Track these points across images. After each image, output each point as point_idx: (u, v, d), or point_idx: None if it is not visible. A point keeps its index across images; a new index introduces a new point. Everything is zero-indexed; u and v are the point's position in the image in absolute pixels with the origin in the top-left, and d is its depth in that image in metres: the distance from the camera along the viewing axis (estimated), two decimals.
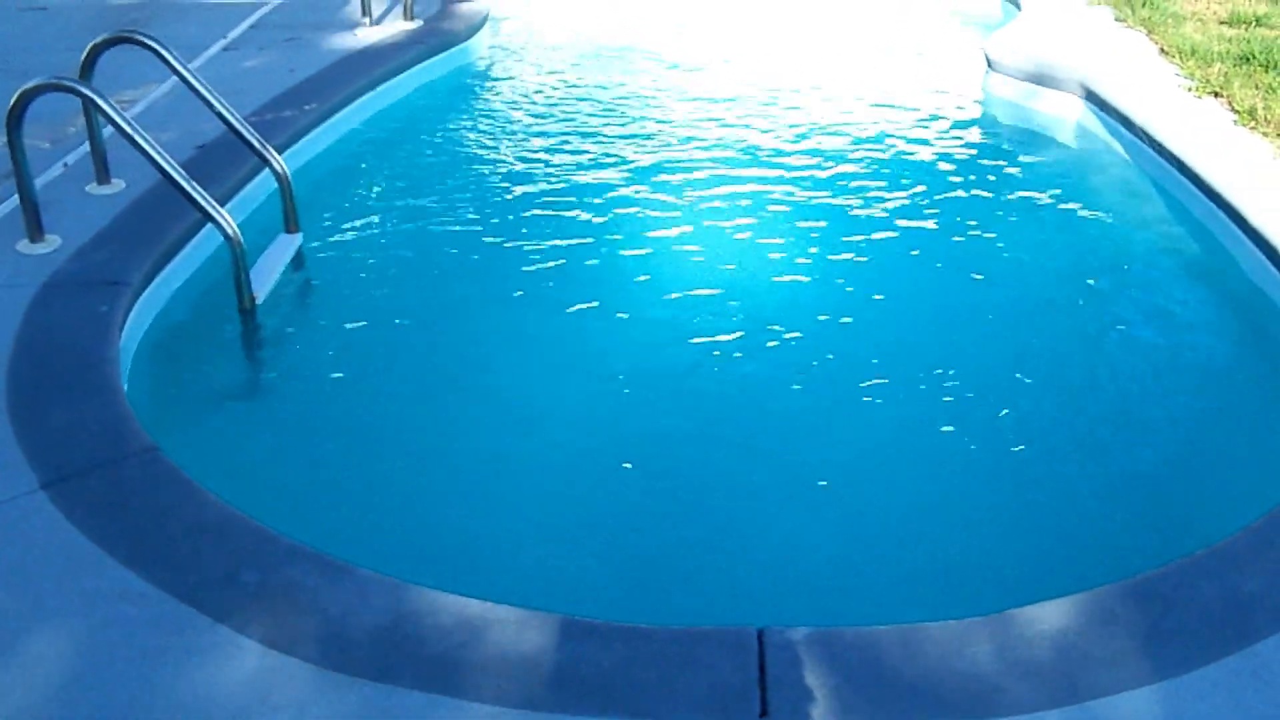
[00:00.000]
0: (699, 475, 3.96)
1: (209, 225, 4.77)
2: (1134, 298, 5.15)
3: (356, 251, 5.48)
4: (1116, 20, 8.22)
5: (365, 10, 8.09)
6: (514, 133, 6.96)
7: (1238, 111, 6.27)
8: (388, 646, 2.81)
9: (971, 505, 3.83)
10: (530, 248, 5.48)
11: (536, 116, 7.24)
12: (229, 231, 4.61)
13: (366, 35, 7.89)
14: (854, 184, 6.21)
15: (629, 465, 4.01)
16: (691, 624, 2.91)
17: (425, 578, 3.06)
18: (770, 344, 4.66)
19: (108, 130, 4.94)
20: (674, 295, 5.03)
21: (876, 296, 5.07)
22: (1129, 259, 5.49)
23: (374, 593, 2.97)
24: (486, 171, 6.41)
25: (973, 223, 5.77)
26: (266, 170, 5.39)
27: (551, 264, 5.34)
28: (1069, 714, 2.64)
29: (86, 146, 5.39)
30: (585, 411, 4.28)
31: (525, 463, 4.00)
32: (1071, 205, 6.01)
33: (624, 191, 6.10)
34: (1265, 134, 5.96)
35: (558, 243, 5.53)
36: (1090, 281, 5.22)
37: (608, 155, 6.58)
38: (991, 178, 6.41)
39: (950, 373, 4.45)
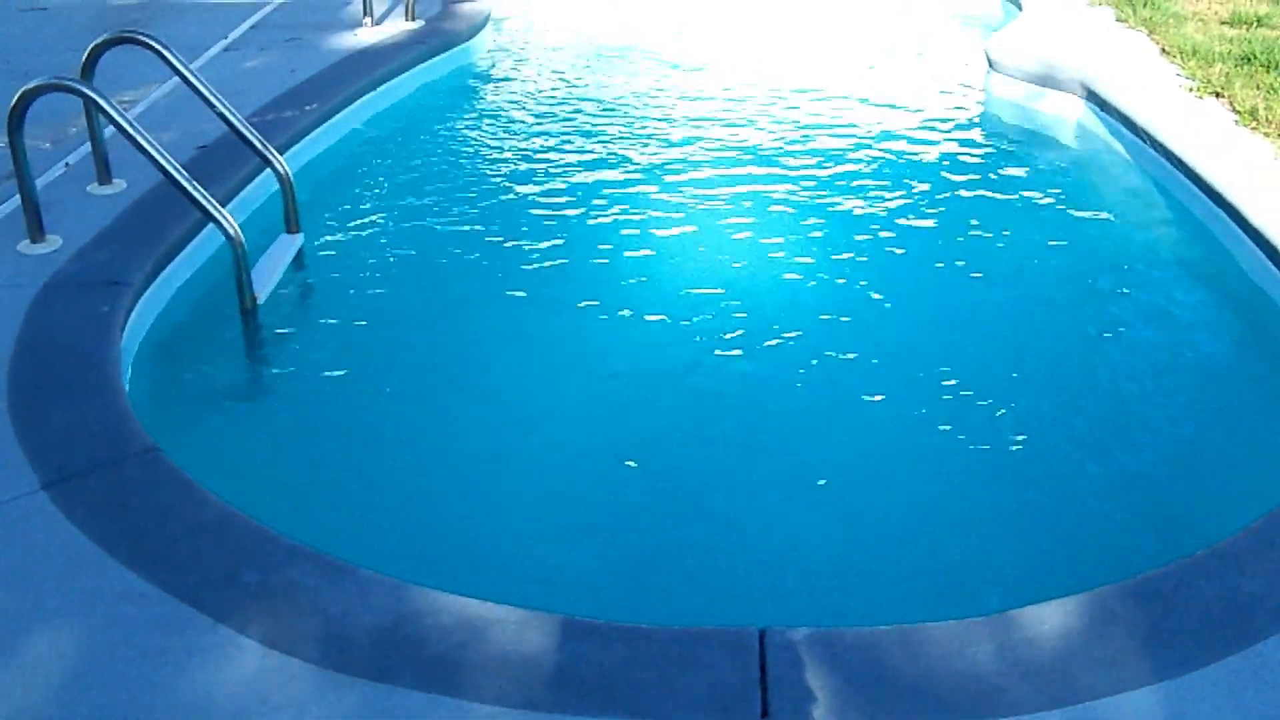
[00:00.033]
0: (699, 475, 3.96)
1: (210, 225, 4.77)
2: (1134, 297, 5.14)
3: (358, 252, 5.48)
4: (1118, 20, 8.21)
5: (367, 10, 8.09)
6: (515, 133, 6.96)
7: (1239, 112, 6.27)
8: (388, 647, 2.81)
9: (972, 505, 3.83)
10: (530, 248, 5.48)
11: (537, 116, 7.24)
12: (230, 232, 4.61)
13: (367, 35, 7.90)
14: (854, 184, 6.21)
15: (629, 465, 4.01)
16: (692, 624, 2.91)
17: (425, 578, 3.06)
18: (770, 344, 4.66)
19: (109, 130, 4.94)
20: (674, 295, 5.03)
21: (876, 296, 5.07)
22: (1129, 259, 5.49)
23: (374, 593, 2.97)
24: (487, 171, 6.41)
25: (974, 222, 5.77)
26: (268, 170, 5.39)
27: (551, 264, 5.34)
28: (1070, 714, 2.64)
29: (88, 147, 5.40)
30: (585, 411, 4.28)
31: (525, 463, 4.01)
32: (1072, 205, 6.01)
33: (624, 191, 6.10)
34: (1266, 134, 5.96)
35: (558, 242, 5.53)
36: (1090, 281, 5.22)
37: (608, 155, 6.58)
38: (992, 177, 6.40)
39: (950, 372, 4.45)
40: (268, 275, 4.97)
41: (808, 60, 8.37)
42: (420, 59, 7.65)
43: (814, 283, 5.19)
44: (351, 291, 5.12)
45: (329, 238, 5.57)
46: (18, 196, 4.76)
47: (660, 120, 7.13)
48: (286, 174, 5.30)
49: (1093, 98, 6.90)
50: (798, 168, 6.39)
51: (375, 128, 6.94)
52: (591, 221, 5.77)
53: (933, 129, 7.01)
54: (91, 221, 4.98)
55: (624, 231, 5.66)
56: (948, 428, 4.16)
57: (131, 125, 4.50)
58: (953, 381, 4.40)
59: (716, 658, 2.77)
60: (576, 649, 2.80)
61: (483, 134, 6.96)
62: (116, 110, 4.52)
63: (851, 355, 4.59)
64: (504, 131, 6.98)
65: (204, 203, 4.60)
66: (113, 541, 3.15)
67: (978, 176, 6.39)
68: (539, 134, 6.92)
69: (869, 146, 6.70)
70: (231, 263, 4.69)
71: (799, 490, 3.87)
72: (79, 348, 4.07)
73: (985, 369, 4.51)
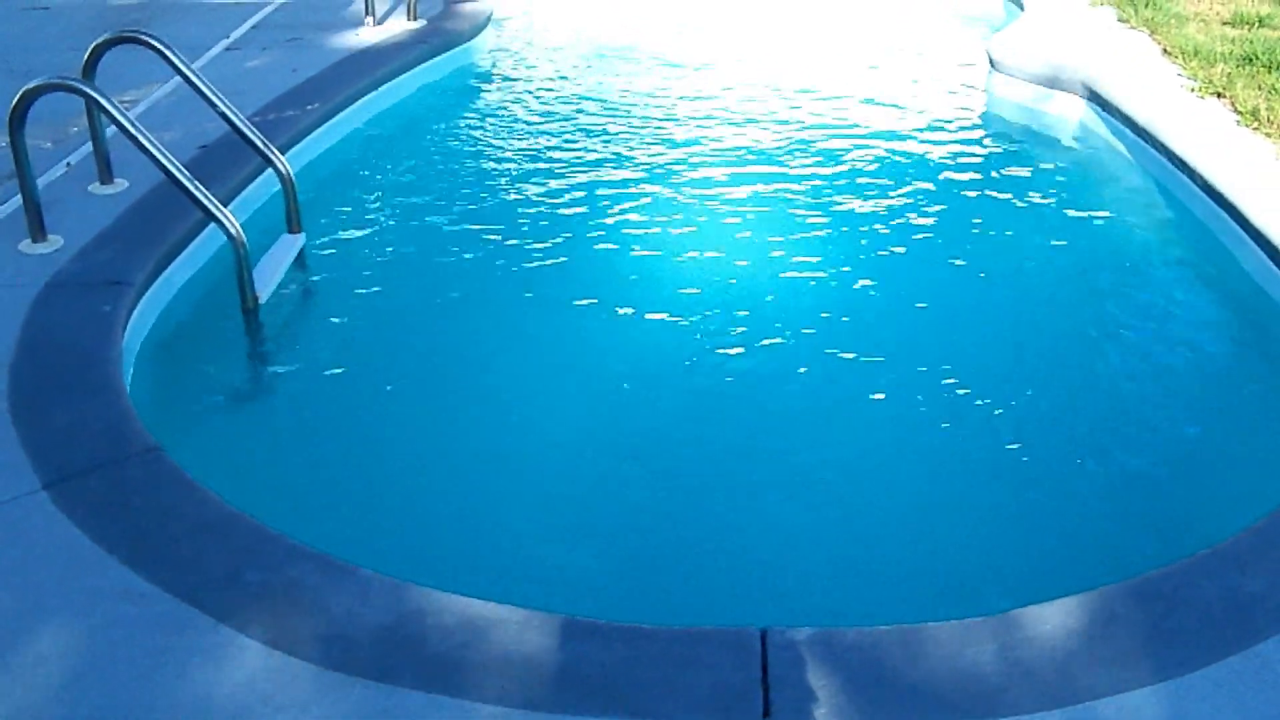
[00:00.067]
0: (700, 474, 3.96)
1: (212, 225, 4.77)
2: (1135, 297, 5.14)
3: (359, 251, 5.48)
4: (1119, 21, 8.21)
5: (368, 10, 8.10)
6: (516, 132, 6.96)
7: (1240, 112, 6.27)
8: (390, 646, 2.81)
9: (972, 505, 3.83)
10: (531, 247, 5.48)
11: (539, 116, 7.24)
12: (232, 231, 4.61)
13: (369, 35, 7.90)
14: (855, 183, 6.21)
15: (630, 465, 4.01)
16: (693, 624, 2.91)
17: (426, 578, 3.06)
18: (770, 343, 4.66)
19: (110, 130, 4.95)
20: (674, 295, 5.03)
21: (877, 296, 5.08)
22: (1131, 259, 5.49)
23: (376, 593, 2.97)
24: (488, 171, 6.41)
25: (975, 222, 5.77)
26: (269, 170, 5.39)
27: (552, 263, 5.34)
28: (1070, 714, 2.64)
29: (89, 146, 5.40)
30: (585, 411, 4.28)
31: (526, 462, 4.01)
32: (1073, 205, 6.01)
33: (625, 191, 6.10)
34: (1268, 134, 5.96)
35: (558, 242, 5.54)
36: (1091, 281, 5.22)
37: (610, 155, 6.58)
38: (994, 177, 6.40)
39: (951, 372, 4.45)
40: (269, 275, 4.97)
41: (809, 60, 8.37)
42: (422, 59, 7.65)
43: (814, 282, 5.19)
44: (353, 291, 5.12)
45: (330, 237, 5.57)
46: (19, 196, 4.77)
47: (661, 120, 7.12)
48: (288, 174, 5.30)
49: (1094, 98, 6.89)
50: (799, 167, 6.39)
51: (377, 127, 6.94)
52: (592, 221, 5.77)
53: (934, 129, 7.01)
54: (93, 221, 4.98)
55: (625, 231, 5.66)
56: (948, 427, 4.16)
57: (133, 125, 4.51)
58: (953, 381, 4.40)
59: (718, 658, 2.77)
60: (578, 649, 2.80)
61: (484, 134, 6.96)
62: (118, 110, 4.52)
63: (852, 355, 4.59)
64: (505, 131, 6.98)
65: (205, 202, 4.60)
66: (114, 541, 3.15)
67: (979, 176, 6.39)
68: (540, 134, 6.92)
69: (870, 146, 6.70)
70: (233, 262, 4.69)
71: (799, 490, 3.87)
72: (80, 347, 4.08)
73: (986, 369, 4.51)
